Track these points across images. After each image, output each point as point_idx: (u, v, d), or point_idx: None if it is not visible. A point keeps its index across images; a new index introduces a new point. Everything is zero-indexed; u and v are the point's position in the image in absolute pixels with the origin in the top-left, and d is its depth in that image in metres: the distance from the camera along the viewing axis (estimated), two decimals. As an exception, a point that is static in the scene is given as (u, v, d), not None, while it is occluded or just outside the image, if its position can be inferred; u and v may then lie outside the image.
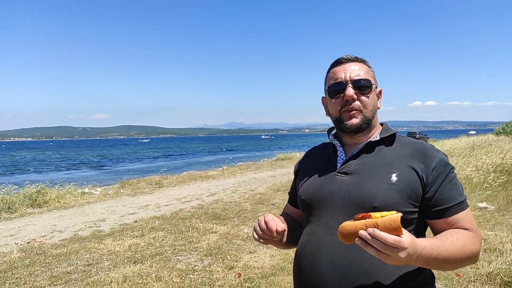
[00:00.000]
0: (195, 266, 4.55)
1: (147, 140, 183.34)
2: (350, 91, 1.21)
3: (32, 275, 4.40)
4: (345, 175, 1.21)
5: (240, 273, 4.19)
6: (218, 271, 4.33)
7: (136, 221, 7.17)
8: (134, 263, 4.71)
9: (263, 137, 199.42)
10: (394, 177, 1.13)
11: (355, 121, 1.22)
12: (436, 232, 1.15)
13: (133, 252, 5.16)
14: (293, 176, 1.49)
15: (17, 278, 4.33)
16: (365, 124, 1.23)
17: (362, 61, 1.28)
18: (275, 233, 1.20)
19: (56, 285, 4.10)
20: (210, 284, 3.99)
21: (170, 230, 6.35)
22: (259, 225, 1.23)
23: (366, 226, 0.89)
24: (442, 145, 20.55)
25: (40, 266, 4.73)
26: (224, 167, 19.11)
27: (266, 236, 1.22)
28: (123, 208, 8.71)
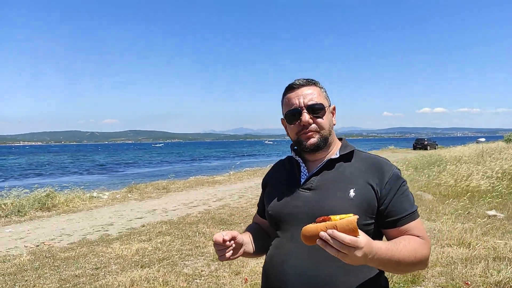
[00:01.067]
0: (202, 271, 4.57)
1: (160, 145, 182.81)
2: (305, 116, 1.29)
3: (41, 278, 4.46)
4: (308, 191, 1.29)
5: (246, 279, 4.19)
6: (224, 276, 4.34)
7: (143, 226, 7.22)
8: (141, 267, 4.74)
9: (266, 142, 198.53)
10: (352, 193, 1.24)
11: (313, 140, 1.30)
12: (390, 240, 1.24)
13: (141, 256, 5.20)
14: None
15: (26, 280, 4.39)
16: (323, 143, 1.31)
17: (314, 84, 1.35)
18: (227, 242, 1.24)
19: (64, 288, 4.15)
20: (216, 289, 4.00)
21: (177, 235, 6.38)
22: (214, 247, 1.28)
23: (326, 227, 0.96)
24: (451, 151, 20.37)
25: (49, 269, 4.79)
26: (231, 173, 19.12)
27: (221, 248, 1.26)
28: (131, 213, 8.78)
